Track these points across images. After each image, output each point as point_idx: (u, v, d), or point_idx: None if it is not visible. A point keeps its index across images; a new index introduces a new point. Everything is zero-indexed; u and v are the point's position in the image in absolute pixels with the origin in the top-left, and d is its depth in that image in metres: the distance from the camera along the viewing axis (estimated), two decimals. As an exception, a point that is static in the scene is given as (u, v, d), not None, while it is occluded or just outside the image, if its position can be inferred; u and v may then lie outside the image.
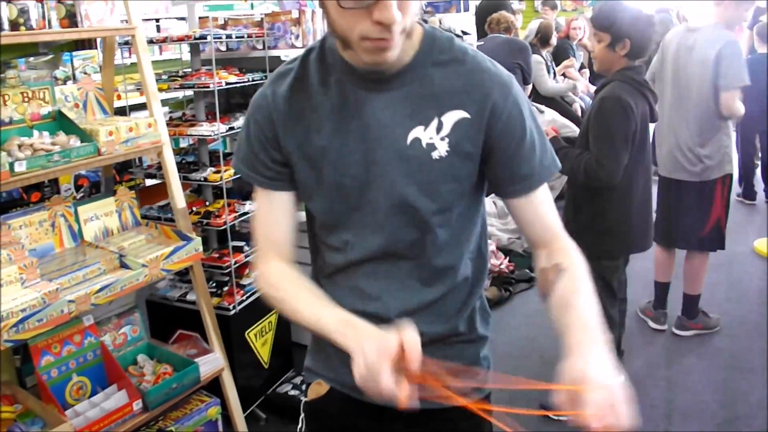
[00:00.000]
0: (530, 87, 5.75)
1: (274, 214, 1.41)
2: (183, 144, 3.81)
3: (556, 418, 3.30)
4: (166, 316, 3.19)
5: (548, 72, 6.33)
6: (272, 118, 1.33)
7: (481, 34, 5.85)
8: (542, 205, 1.37)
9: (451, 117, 1.27)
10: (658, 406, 3.41)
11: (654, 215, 3.34)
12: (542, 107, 5.82)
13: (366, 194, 1.30)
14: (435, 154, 1.26)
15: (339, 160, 1.29)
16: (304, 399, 1.57)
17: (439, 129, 1.26)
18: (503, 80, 1.30)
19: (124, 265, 2.47)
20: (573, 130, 5.37)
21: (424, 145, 1.26)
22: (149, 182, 3.52)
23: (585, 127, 3.04)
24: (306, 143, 1.31)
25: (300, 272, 1.42)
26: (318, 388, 1.53)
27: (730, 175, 3.80)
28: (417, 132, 1.26)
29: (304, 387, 3.36)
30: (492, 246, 5.03)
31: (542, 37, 6.31)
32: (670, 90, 3.82)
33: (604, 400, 1.04)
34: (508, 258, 5.05)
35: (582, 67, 7.20)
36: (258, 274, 1.45)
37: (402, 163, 1.27)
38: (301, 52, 1.39)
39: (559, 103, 6.21)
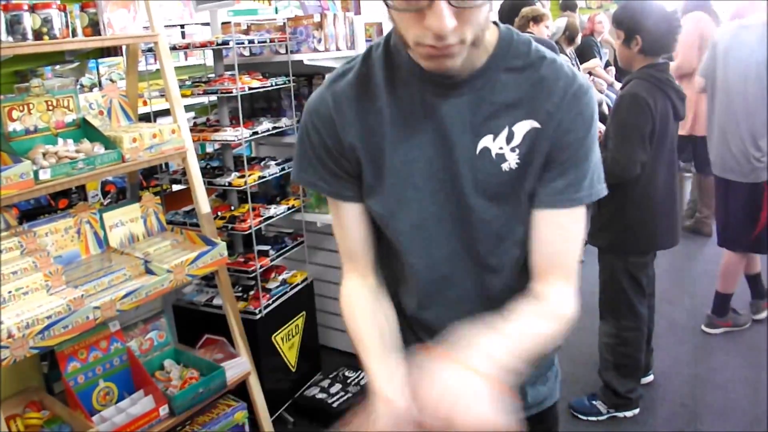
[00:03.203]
0: None
1: (347, 225, 1.34)
2: (209, 149, 3.83)
3: (584, 418, 3.28)
4: (193, 321, 3.20)
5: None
6: (334, 122, 1.25)
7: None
8: (561, 231, 1.24)
9: (522, 127, 1.19)
10: (687, 404, 3.38)
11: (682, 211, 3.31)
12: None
13: (430, 206, 1.24)
14: (505, 166, 1.19)
15: (404, 168, 1.22)
16: None
17: (509, 139, 1.19)
18: (577, 87, 1.20)
19: (149, 271, 2.48)
20: (600, 128, 5.32)
21: (493, 155, 1.19)
22: (175, 188, 3.54)
23: (607, 124, 3.05)
24: (369, 147, 1.24)
25: (378, 295, 1.36)
26: None
27: None
28: (486, 141, 1.19)
29: (332, 390, 3.39)
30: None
31: (570, 36, 6.25)
32: (723, 88, 3.78)
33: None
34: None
35: (608, 64, 7.13)
36: (341, 292, 1.38)
37: (471, 174, 1.20)
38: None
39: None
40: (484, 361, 1.04)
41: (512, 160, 1.19)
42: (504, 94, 1.19)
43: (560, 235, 1.24)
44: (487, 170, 1.20)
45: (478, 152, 1.19)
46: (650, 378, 3.55)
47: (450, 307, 1.31)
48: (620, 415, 3.28)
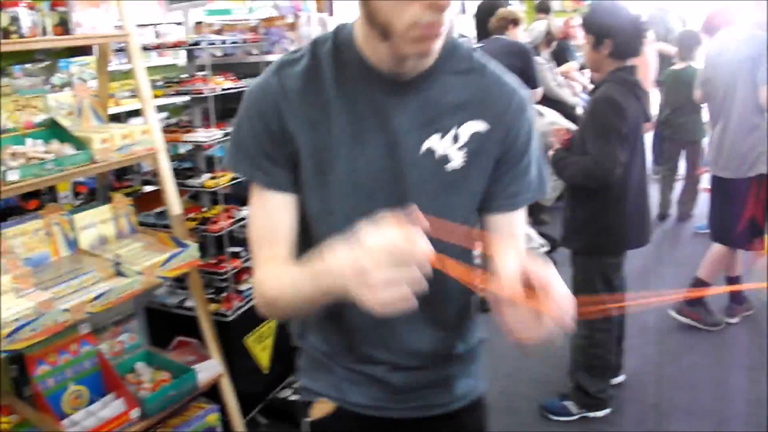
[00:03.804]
0: (540, 90, 5.69)
1: (277, 216, 1.27)
2: (182, 150, 3.80)
3: (555, 418, 3.30)
4: (165, 323, 3.18)
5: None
6: (280, 108, 1.22)
7: (481, 34, 5.82)
8: (518, 225, 1.35)
9: (469, 128, 1.24)
10: (657, 404, 3.42)
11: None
12: (543, 109, 5.78)
13: (371, 203, 1.22)
14: (449, 166, 1.23)
15: (347, 164, 1.22)
16: (308, 419, 1.49)
17: (456, 139, 1.23)
18: (521, 95, 1.30)
19: (120, 273, 2.46)
20: (572, 129, 5.35)
21: (437, 156, 1.23)
22: (147, 189, 3.51)
23: (581, 128, 3.07)
24: (314, 142, 1.22)
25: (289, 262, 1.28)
26: (323, 407, 1.46)
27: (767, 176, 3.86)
28: (432, 141, 1.22)
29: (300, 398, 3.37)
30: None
31: (549, 39, 6.31)
32: (715, 91, 3.99)
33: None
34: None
35: (582, 67, 7.18)
36: (254, 290, 1.31)
37: (415, 173, 1.22)
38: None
39: (561, 105, 6.18)
40: None
41: (458, 160, 1.23)
42: (451, 95, 1.24)
43: (518, 230, 1.35)
44: (430, 170, 1.23)
45: (421, 153, 1.22)
46: (621, 378, 3.58)
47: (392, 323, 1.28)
48: (591, 415, 3.30)
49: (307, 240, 1.31)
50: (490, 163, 1.27)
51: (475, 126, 1.24)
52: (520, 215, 1.35)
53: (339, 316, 1.34)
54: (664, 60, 6.92)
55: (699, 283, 4.11)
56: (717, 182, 4.02)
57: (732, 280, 4.23)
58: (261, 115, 1.23)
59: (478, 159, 1.25)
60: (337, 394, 1.43)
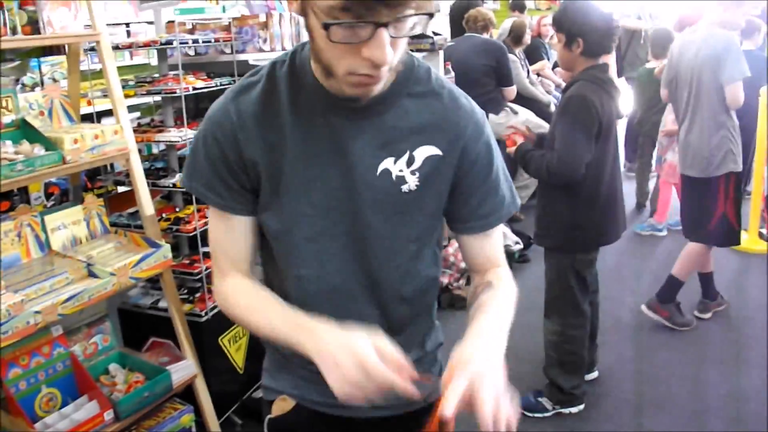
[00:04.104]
0: (514, 89, 5.72)
1: (232, 237, 1.33)
2: (156, 150, 3.78)
3: (530, 415, 3.32)
4: (139, 324, 3.16)
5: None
6: (237, 138, 1.24)
7: (456, 33, 5.84)
8: (492, 240, 1.41)
9: (423, 152, 1.25)
10: (631, 400, 3.45)
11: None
12: (517, 107, 5.82)
13: (326, 222, 1.26)
14: (405, 188, 1.25)
15: (303, 186, 1.24)
16: (268, 416, 1.51)
17: (410, 163, 1.25)
18: (477, 119, 1.31)
19: (92, 274, 2.45)
20: (544, 126, 5.38)
21: (393, 177, 1.25)
22: (120, 189, 3.49)
23: (552, 125, 3.08)
24: (271, 164, 1.25)
25: (256, 283, 1.37)
26: (283, 404, 1.48)
27: (735, 174, 3.88)
28: (387, 164, 1.24)
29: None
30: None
31: (515, 36, 6.34)
32: (679, 91, 4.00)
33: (487, 390, 1.05)
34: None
35: (555, 65, 7.23)
36: (216, 292, 1.39)
37: (370, 193, 1.24)
38: (265, 60, 1.32)
39: (535, 102, 6.22)
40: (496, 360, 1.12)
41: (412, 183, 1.26)
42: (406, 119, 1.25)
43: (495, 244, 1.42)
44: (386, 191, 1.25)
45: (378, 173, 1.24)
46: (595, 374, 3.61)
47: (338, 316, 1.30)
48: (565, 411, 3.32)
49: (269, 251, 1.37)
50: (446, 186, 1.31)
51: (430, 150, 1.26)
52: (496, 234, 1.41)
53: None
54: (638, 58, 7.01)
55: (673, 281, 4.14)
56: (686, 181, 4.04)
57: (705, 277, 4.27)
58: (217, 143, 1.25)
59: (432, 181, 1.28)
60: (296, 391, 1.46)
